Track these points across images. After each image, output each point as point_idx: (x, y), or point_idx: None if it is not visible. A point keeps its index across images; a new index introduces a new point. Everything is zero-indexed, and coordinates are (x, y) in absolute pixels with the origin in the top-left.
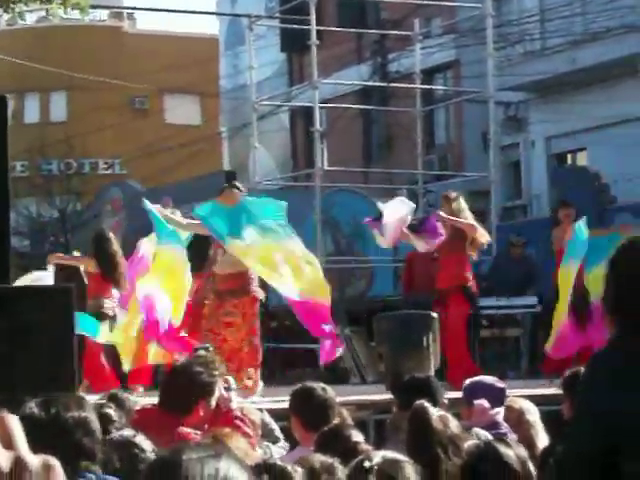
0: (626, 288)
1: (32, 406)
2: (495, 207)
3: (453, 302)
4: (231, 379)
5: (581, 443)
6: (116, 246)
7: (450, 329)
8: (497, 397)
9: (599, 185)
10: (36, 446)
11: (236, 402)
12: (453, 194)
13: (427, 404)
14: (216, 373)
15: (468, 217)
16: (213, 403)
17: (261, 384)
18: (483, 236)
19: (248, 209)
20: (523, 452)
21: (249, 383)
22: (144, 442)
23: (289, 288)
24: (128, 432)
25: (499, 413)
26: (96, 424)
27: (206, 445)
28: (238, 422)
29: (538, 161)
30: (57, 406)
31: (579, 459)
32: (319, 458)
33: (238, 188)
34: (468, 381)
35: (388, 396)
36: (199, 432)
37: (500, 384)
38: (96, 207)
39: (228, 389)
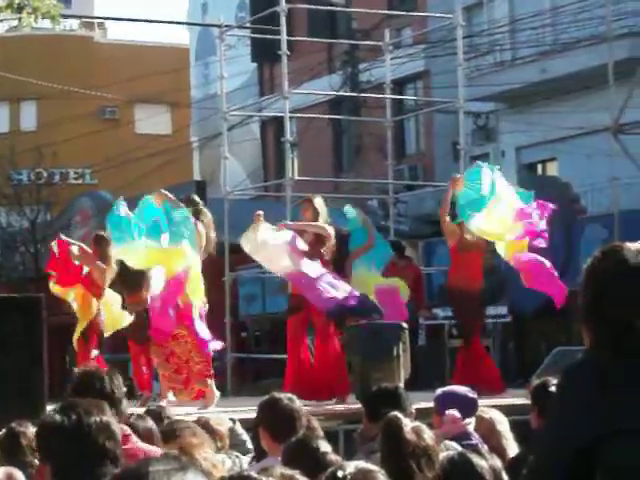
0: (603, 297)
1: (53, 412)
2: None
3: (316, 313)
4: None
5: (552, 455)
6: None
7: (322, 342)
8: (469, 407)
9: (569, 195)
10: (60, 452)
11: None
12: (316, 198)
13: (400, 415)
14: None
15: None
16: None
17: (217, 393)
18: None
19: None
20: (498, 463)
21: (205, 391)
22: None
23: None
24: None
25: (470, 423)
26: (117, 428)
27: (172, 457)
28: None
29: (508, 171)
30: (78, 411)
31: (549, 470)
32: (280, 470)
33: (196, 203)
34: (440, 390)
35: (358, 406)
36: None
37: (472, 394)
38: (66, 217)
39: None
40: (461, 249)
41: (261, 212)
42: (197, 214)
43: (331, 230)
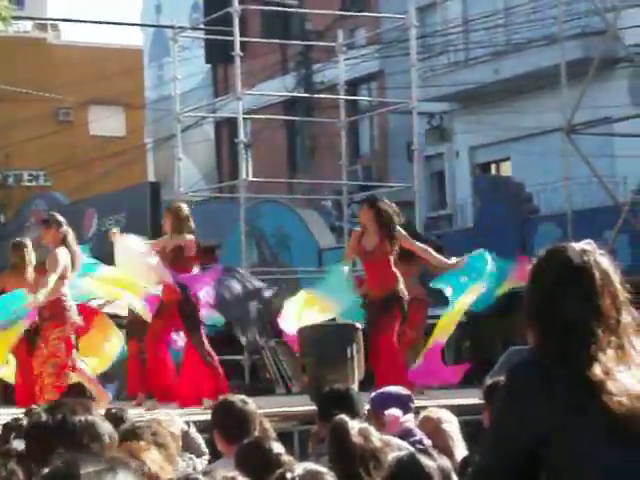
0: (548, 298)
1: (39, 411)
2: (420, 217)
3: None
4: None
5: (498, 454)
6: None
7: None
8: (405, 404)
9: (522, 195)
10: (45, 451)
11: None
12: (182, 204)
13: (346, 418)
14: None
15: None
16: None
17: (110, 395)
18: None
19: None
20: (447, 463)
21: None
22: None
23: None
24: (20, 443)
25: (410, 420)
26: (103, 428)
27: (100, 457)
28: None
29: (462, 171)
30: (64, 411)
31: (496, 470)
32: (222, 473)
33: (60, 223)
34: (374, 393)
35: (313, 407)
36: None
37: (405, 391)
38: (20, 219)
39: None
40: (360, 259)
41: (116, 230)
42: (65, 237)
43: (191, 238)
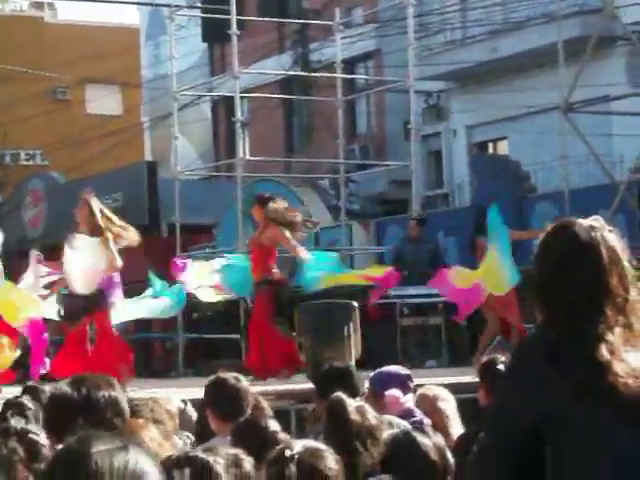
0: (555, 275)
1: (63, 385)
2: (416, 196)
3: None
4: None
5: (503, 432)
6: None
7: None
8: (405, 384)
9: (519, 174)
10: (68, 425)
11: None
12: (92, 199)
13: (343, 395)
14: None
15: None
16: None
17: None
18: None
19: None
20: (441, 441)
21: None
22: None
23: None
24: (19, 421)
25: (410, 400)
26: (125, 405)
27: (111, 435)
28: None
29: (459, 150)
30: (87, 385)
31: (501, 448)
32: (224, 450)
33: None
34: (374, 373)
35: (310, 385)
36: None
37: (405, 371)
38: (17, 198)
39: None
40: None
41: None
42: None
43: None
